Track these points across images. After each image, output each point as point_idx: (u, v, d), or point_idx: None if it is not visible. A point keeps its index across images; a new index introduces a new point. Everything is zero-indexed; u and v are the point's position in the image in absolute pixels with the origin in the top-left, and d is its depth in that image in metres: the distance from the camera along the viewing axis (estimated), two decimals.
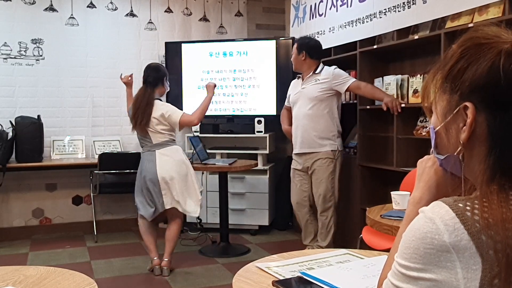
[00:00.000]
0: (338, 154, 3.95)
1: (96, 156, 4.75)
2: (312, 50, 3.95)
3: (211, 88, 3.87)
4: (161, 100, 3.79)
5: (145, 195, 3.68)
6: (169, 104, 3.83)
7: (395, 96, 3.66)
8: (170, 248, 3.78)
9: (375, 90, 3.79)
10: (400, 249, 0.81)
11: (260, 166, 4.93)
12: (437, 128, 0.89)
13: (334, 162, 3.92)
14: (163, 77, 3.78)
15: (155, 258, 3.74)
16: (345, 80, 3.87)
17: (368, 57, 4.03)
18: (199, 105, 3.80)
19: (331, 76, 3.90)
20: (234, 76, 5.18)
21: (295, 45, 4.02)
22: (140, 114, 3.62)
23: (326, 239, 3.98)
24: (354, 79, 3.88)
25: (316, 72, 3.93)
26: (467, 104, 0.81)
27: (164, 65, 5.29)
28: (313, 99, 3.89)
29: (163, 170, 3.62)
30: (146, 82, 3.73)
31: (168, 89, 3.90)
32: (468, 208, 0.76)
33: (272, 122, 5.05)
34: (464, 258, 0.73)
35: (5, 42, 4.86)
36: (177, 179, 3.63)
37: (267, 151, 5.00)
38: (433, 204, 0.79)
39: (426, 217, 0.78)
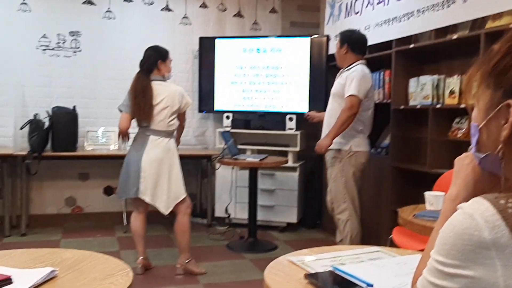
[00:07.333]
0: (348, 154, 3.66)
1: (128, 148, 4.82)
2: (354, 43, 3.75)
3: None
4: (163, 80, 3.58)
5: (126, 177, 3.57)
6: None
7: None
8: (185, 242, 3.61)
9: (335, 124, 3.60)
10: (437, 245, 0.81)
11: (290, 163, 4.93)
12: (480, 126, 0.88)
13: (342, 162, 3.66)
14: (157, 60, 3.56)
15: (141, 257, 3.63)
16: (347, 90, 3.61)
17: (404, 57, 3.98)
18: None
19: (345, 77, 3.68)
20: (267, 73, 5.19)
21: (338, 38, 3.87)
22: (142, 101, 3.45)
23: (344, 244, 3.70)
24: (352, 96, 3.55)
25: (348, 68, 3.75)
26: (511, 102, 0.81)
27: (197, 59, 5.36)
28: (334, 94, 3.76)
29: (149, 157, 3.47)
30: (141, 69, 3.57)
31: (170, 70, 3.66)
32: (510, 205, 0.76)
33: (303, 120, 5.03)
34: (504, 256, 0.73)
35: (44, 34, 4.99)
36: (159, 170, 3.47)
37: (297, 149, 5.00)
38: (472, 200, 0.79)
39: (465, 212, 0.77)
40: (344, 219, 3.70)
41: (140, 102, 3.47)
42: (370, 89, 3.66)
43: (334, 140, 3.66)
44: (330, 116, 3.75)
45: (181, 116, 3.67)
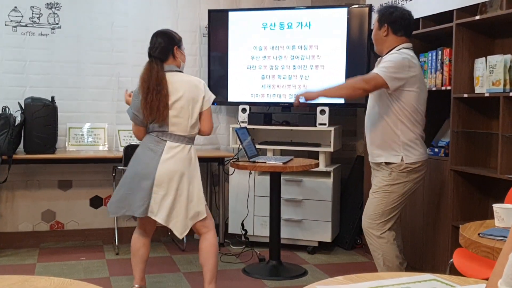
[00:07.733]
0: (400, 169, 3.58)
1: (121, 149, 4.87)
2: (397, 23, 3.65)
3: None
4: (181, 71, 3.58)
5: (130, 191, 3.50)
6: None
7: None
8: (216, 267, 3.55)
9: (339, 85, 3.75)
10: (505, 275, 0.80)
11: (322, 167, 4.92)
12: None
13: (393, 176, 3.59)
14: (174, 46, 3.53)
15: (136, 285, 3.62)
16: (375, 69, 3.60)
17: (468, 31, 3.95)
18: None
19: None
20: (293, 54, 5.19)
21: (376, 17, 3.81)
22: (155, 99, 3.38)
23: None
24: (377, 75, 3.51)
25: (388, 54, 3.67)
26: None
27: (206, 37, 5.38)
28: (371, 93, 3.71)
29: (166, 169, 3.41)
30: (151, 56, 3.51)
31: (185, 58, 3.66)
32: None
33: (339, 113, 5.03)
34: None
35: (15, 7, 5.05)
36: (177, 185, 3.43)
37: (331, 149, 4.99)
38: None
39: None
40: (377, 248, 3.66)
41: (153, 100, 3.38)
42: (416, 76, 3.53)
43: (381, 152, 3.63)
44: (370, 122, 3.72)
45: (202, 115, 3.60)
